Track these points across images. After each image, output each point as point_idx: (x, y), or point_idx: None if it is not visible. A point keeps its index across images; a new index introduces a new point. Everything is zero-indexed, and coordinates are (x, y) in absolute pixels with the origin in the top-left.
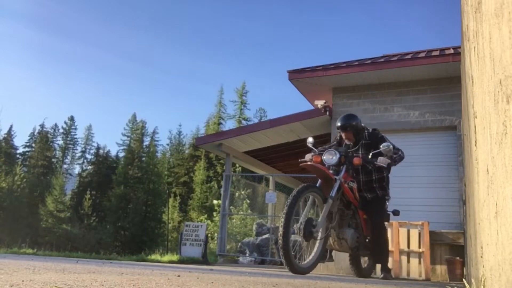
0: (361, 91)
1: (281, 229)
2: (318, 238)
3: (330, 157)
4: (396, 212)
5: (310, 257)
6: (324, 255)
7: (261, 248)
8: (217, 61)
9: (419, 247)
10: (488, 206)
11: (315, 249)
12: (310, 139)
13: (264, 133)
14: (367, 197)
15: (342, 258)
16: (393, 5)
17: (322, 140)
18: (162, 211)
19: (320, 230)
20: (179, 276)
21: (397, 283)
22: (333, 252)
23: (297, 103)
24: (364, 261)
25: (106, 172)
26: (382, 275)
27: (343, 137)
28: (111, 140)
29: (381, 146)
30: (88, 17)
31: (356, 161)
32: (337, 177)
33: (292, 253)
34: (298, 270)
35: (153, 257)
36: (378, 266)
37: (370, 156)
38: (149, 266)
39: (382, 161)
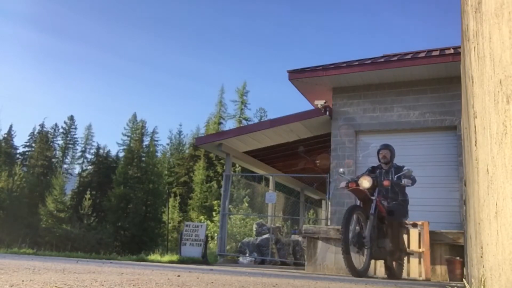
0: (361, 91)
1: (343, 244)
2: (367, 247)
3: (366, 181)
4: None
5: (363, 263)
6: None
7: (261, 248)
8: (217, 61)
9: (419, 247)
10: (488, 206)
11: (365, 255)
12: (341, 170)
13: (264, 133)
14: (389, 209)
15: (342, 259)
16: (393, 5)
17: (322, 140)
18: (162, 211)
19: (368, 240)
20: (179, 276)
21: (397, 283)
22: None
23: (297, 103)
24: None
25: (106, 172)
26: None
27: (381, 156)
28: (111, 140)
29: (404, 168)
30: (88, 18)
31: (386, 183)
32: (373, 198)
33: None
34: (360, 274)
35: (153, 257)
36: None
37: (395, 178)
38: (149, 266)
39: (406, 182)
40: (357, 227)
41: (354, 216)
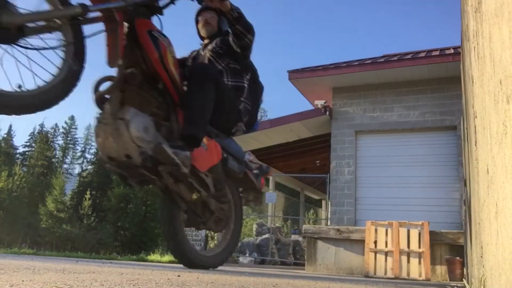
0: (361, 91)
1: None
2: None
3: None
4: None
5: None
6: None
7: (261, 248)
8: None
9: (419, 247)
10: (488, 206)
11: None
12: None
13: (264, 133)
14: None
15: (342, 259)
16: (393, 5)
17: (322, 140)
18: None
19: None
20: (179, 276)
21: (397, 283)
22: None
23: (297, 103)
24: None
25: (106, 172)
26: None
27: (201, 24)
28: None
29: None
30: None
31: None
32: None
33: None
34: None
35: (153, 257)
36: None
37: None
38: (149, 266)
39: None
40: None
41: None
